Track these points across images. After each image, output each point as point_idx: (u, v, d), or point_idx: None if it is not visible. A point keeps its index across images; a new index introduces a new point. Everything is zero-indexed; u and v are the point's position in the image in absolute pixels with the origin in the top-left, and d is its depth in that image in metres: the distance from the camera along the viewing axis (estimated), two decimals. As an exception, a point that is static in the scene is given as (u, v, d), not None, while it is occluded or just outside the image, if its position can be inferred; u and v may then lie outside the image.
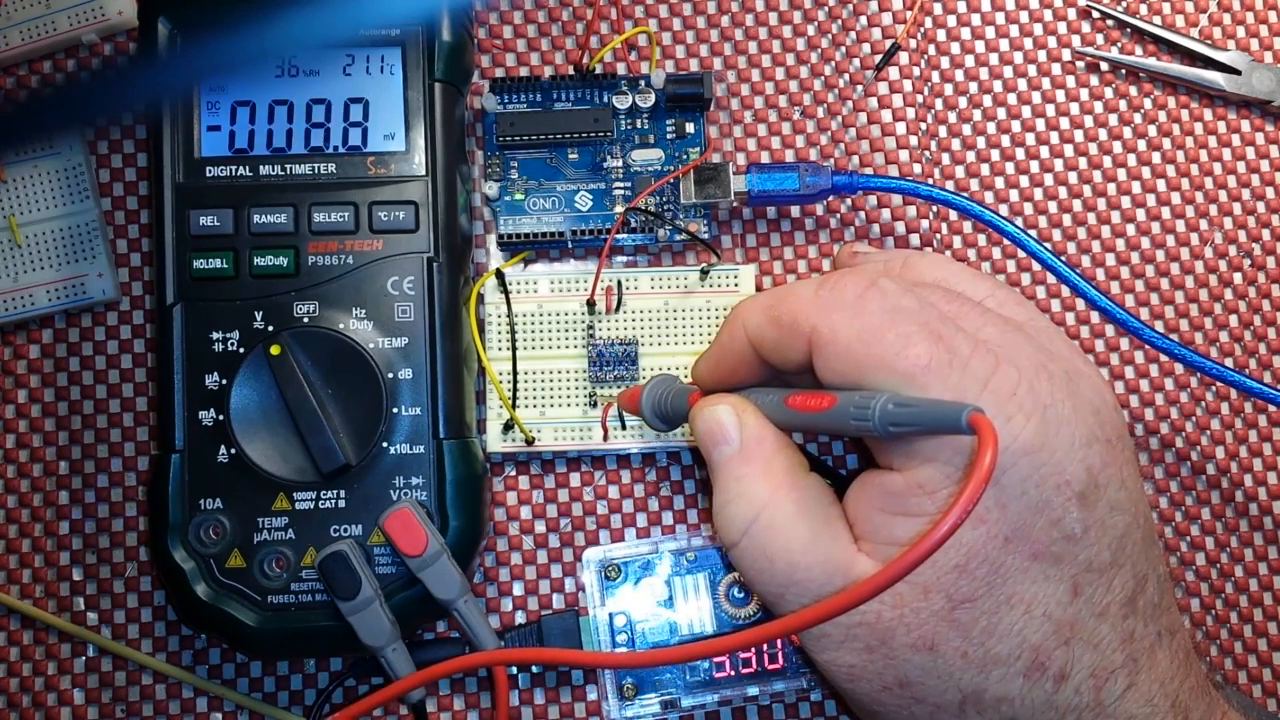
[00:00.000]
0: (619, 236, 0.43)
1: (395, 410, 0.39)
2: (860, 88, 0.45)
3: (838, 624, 0.34)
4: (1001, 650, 0.33)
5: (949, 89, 0.45)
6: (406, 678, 0.38)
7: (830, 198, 0.43)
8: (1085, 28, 0.46)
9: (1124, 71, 0.46)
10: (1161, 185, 0.45)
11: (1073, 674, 0.33)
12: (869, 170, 0.45)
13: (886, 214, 0.45)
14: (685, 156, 0.44)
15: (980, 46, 0.46)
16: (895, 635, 0.33)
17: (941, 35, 0.46)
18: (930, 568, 0.32)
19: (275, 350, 0.38)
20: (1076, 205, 0.45)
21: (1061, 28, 0.46)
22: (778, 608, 0.35)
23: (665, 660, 0.36)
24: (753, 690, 0.40)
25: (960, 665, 0.33)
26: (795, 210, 0.44)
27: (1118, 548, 0.33)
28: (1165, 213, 0.45)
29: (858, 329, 0.33)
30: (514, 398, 0.42)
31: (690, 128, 0.44)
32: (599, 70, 0.43)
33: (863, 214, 0.45)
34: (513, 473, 0.43)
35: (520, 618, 0.42)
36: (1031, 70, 0.46)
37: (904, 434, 0.31)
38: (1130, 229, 0.45)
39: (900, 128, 0.45)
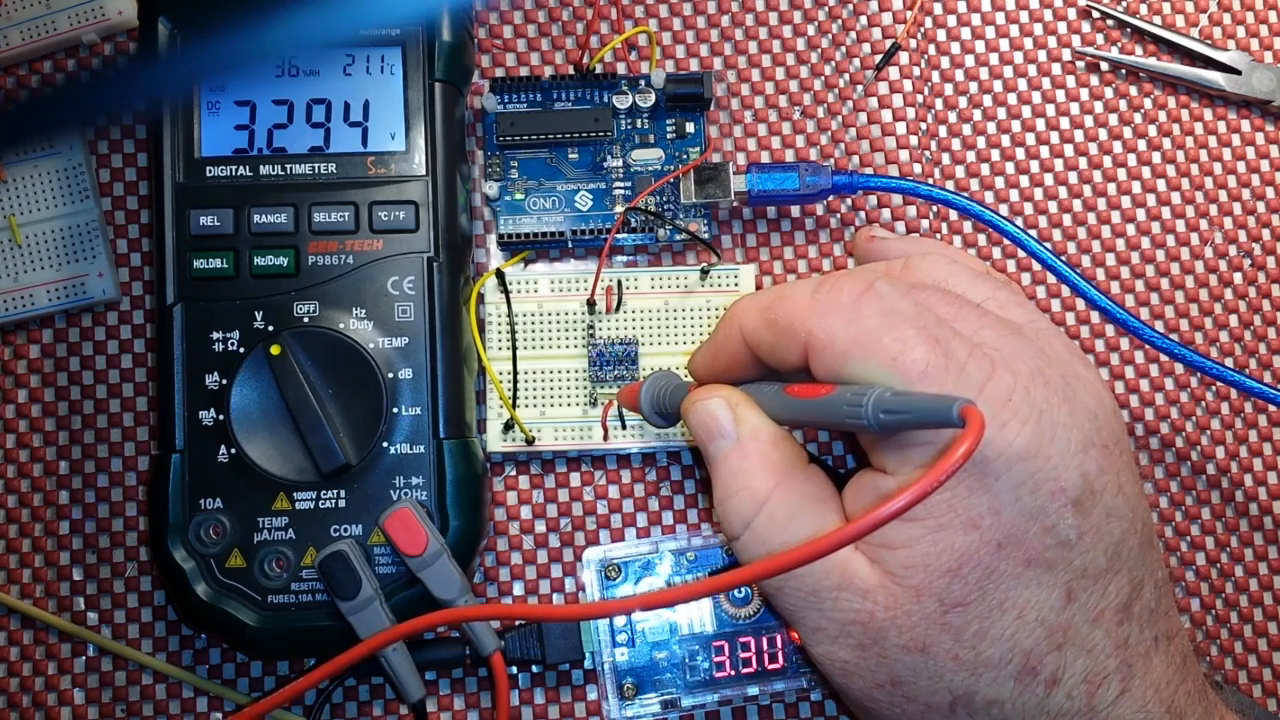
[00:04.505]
0: (619, 236, 0.43)
1: (395, 410, 0.39)
2: (860, 88, 0.45)
3: (832, 619, 0.34)
4: (993, 654, 0.33)
5: (949, 89, 0.45)
6: (372, 637, 0.37)
7: (830, 197, 0.43)
8: (1085, 28, 0.46)
9: (1124, 71, 0.46)
10: (1161, 185, 0.45)
11: (1065, 679, 0.33)
12: (869, 170, 0.45)
13: (886, 214, 0.45)
14: (685, 156, 0.44)
15: (980, 46, 0.46)
16: (887, 635, 0.33)
17: (941, 35, 0.46)
18: (923, 572, 0.32)
19: (275, 350, 0.38)
20: (1076, 205, 0.45)
21: (1061, 28, 0.46)
22: (776, 600, 0.36)
23: (629, 608, 0.36)
24: (753, 690, 0.40)
25: (951, 667, 0.33)
26: (795, 210, 0.44)
27: (1113, 554, 0.33)
28: (1165, 213, 0.45)
29: (854, 333, 0.33)
30: (514, 397, 0.42)
31: (690, 127, 0.44)
32: (599, 70, 0.43)
33: (863, 214, 0.45)
34: (513, 472, 0.43)
35: (520, 618, 0.42)
36: (1031, 70, 0.46)
37: (896, 426, 0.31)
38: (1130, 229, 0.45)
39: (900, 128, 0.45)
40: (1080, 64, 0.46)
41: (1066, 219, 0.45)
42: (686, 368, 0.41)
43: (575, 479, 0.43)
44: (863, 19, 0.46)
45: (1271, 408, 0.44)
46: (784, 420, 0.36)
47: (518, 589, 0.42)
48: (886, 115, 0.45)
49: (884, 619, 0.33)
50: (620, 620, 0.40)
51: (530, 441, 0.42)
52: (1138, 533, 0.34)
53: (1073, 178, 0.45)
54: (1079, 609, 0.33)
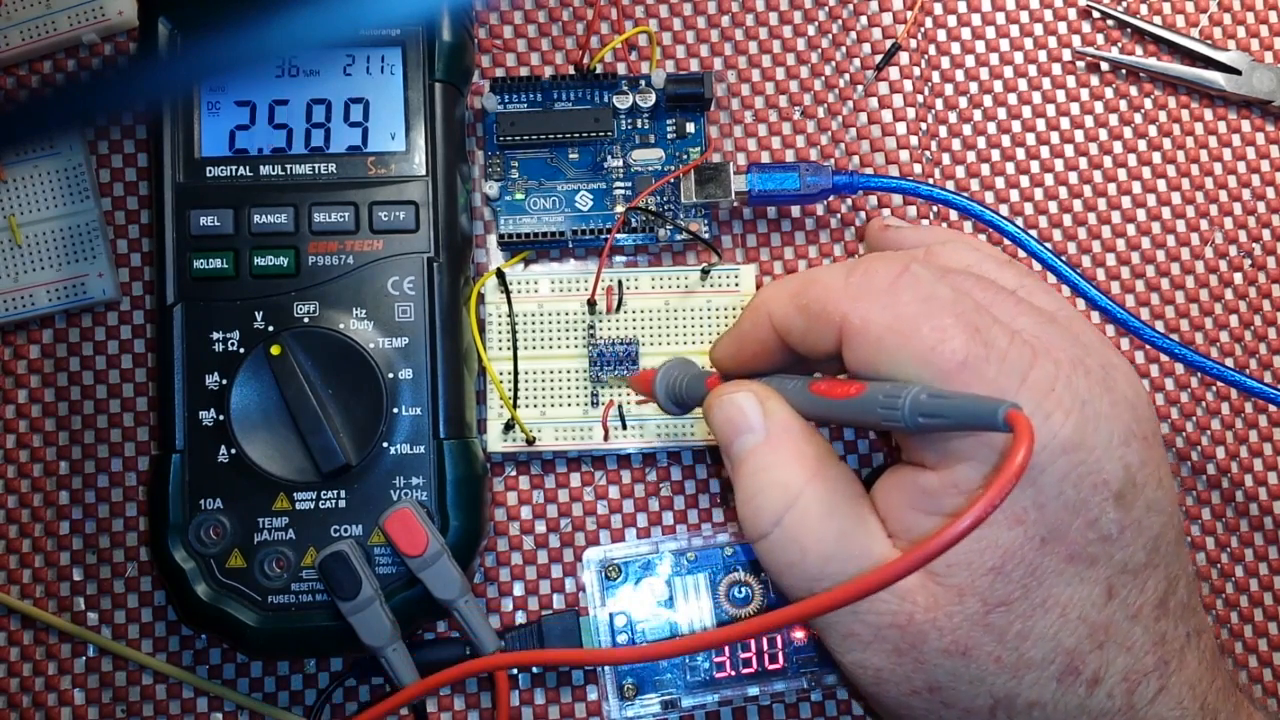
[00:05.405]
0: (619, 236, 0.43)
1: (395, 410, 0.39)
2: (860, 88, 0.45)
3: (866, 624, 0.33)
4: (1035, 654, 0.32)
5: (949, 89, 0.45)
6: (410, 686, 0.38)
7: (830, 198, 0.43)
8: (1085, 28, 0.46)
9: (1124, 71, 0.46)
10: (1162, 185, 0.45)
11: (1106, 678, 0.32)
12: (869, 170, 0.45)
13: (887, 214, 0.45)
14: (686, 156, 0.44)
15: (980, 46, 0.46)
16: (927, 639, 0.32)
17: (941, 35, 0.46)
18: (966, 570, 0.31)
19: (275, 350, 0.38)
20: (1076, 205, 0.45)
21: (1061, 28, 0.46)
22: None
23: (671, 653, 0.35)
24: (753, 690, 0.40)
25: (993, 670, 0.32)
26: (795, 210, 0.44)
27: (1152, 548, 0.32)
28: (1165, 213, 0.45)
29: (890, 319, 0.32)
30: (515, 397, 0.42)
31: (690, 127, 0.44)
32: (599, 70, 0.43)
33: (863, 214, 0.45)
34: (513, 473, 0.43)
35: (520, 618, 0.42)
36: (1032, 70, 0.46)
37: (934, 428, 0.30)
38: (1130, 229, 0.45)
39: (900, 128, 0.45)
40: (1080, 64, 0.46)
41: (1066, 219, 0.45)
42: (709, 356, 0.40)
43: (575, 479, 0.43)
44: (863, 19, 0.46)
45: (1272, 408, 0.44)
46: (810, 417, 0.35)
47: (518, 589, 0.42)
48: (886, 115, 0.45)
49: (923, 621, 0.32)
50: (621, 620, 0.40)
51: (531, 442, 0.42)
52: (1174, 526, 0.33)
53: (1073, 178, 0.45)
54: (1119, 605, 0.32)
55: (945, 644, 0.32)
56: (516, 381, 0.42)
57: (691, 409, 0.39)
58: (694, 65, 0.45)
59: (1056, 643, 0.32)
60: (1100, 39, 0.46)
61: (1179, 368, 0.44)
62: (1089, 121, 0.45)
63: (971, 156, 0.45)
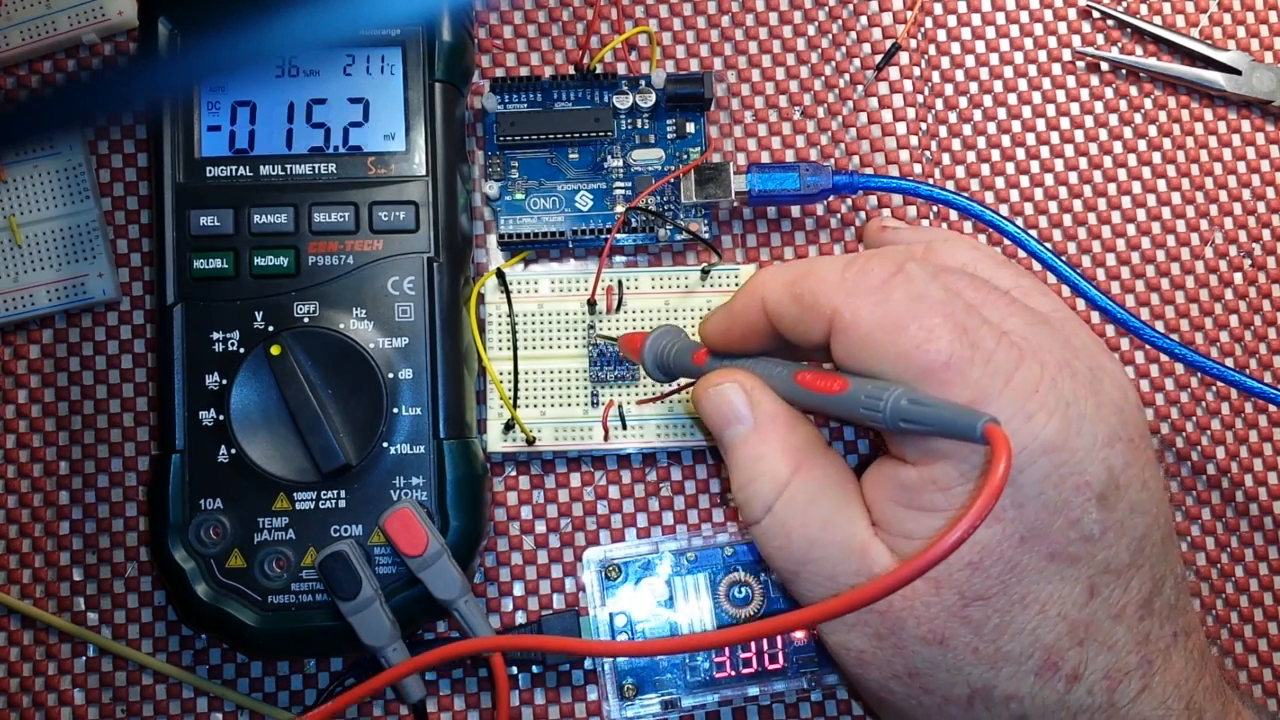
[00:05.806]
0: (619, 236, 0.43)
1: (395, 410, 0.39)
2: (860, 88, 0.45)
3: None
4: (1013, 648, 0.32)
5: (949, 89, 0.45)
6: (397, 665, 0.38)
7: (830, 198, 0.43)
8: (1085, 28, 0.46)
9: (1124, 71, 0.46)
10: (1162, 185, 0.45)
11: (1086, 675, 0.32)
12: (869, 170, 0.45)
13: (887, 214, 0.45)
14: (686, 156, 0.44)
15: (980, 46, 0.46)
16: (905, 626, 0.33)
17: (941, 35, 0.46)
18: (943, 564, 0.32)
19: (275, 350, 0.38)
20: (1076, 205, 0.45)
21: (1062, 28, 0.46)
22: (793, 585, 0.35)
23: (667, 650, 0.36)
24: (753, 690, 0.40)
25: (970, 660, 0.33)
26: (795, 210, 0.44)
27: (1136, 549, 0.33)
28: (1165, 213, 0.45)
29: (879, 317, 0.32)
30: (515, 397, 0.42)
31: (691, 127, 0.44)
32: (599, 70, 0.43)
33: (863, 214, 0.45)
34: (513, 473, 0.43)
35: (520, 618, 0.42)
36: (1032, 70, 0.46)
37: (913, 432, 0.31)
38: (1130, 229, 0.45)
39: (900, 128, 0.45)
40: (1080, 64, 0.46)
41: (1066, 219, 0.45)
42: (699, 332, 0.40)
43: (575, 479, 0.43)
44: (863, 19, 0.46)
45: (1271, 408, 0.44)
46: (793, 404, 0.36)
47: (518, 589, 0.42)
48: (886, 115, 0.45)
49: (901, 609, 0.33)
50: (621, 620, 0.40)
51: (531, 442, 0.42)
52: (1160, 528, 0.33)
53: (1073, 178, 0.45)
54: (1101, 604, 0.32)
55: (923, 632, 0.33)
56: (516, 381, 0.42)
57: (676, 378, 0.39)
58: (694, 65, 0.45)
59: (1035, 638, 0.32)
60: (1100, 39, 0.46)
61: (1179, 368, 0.44)
62: (1089, 121, 0.45)
63: (971, 156, 0.45)
